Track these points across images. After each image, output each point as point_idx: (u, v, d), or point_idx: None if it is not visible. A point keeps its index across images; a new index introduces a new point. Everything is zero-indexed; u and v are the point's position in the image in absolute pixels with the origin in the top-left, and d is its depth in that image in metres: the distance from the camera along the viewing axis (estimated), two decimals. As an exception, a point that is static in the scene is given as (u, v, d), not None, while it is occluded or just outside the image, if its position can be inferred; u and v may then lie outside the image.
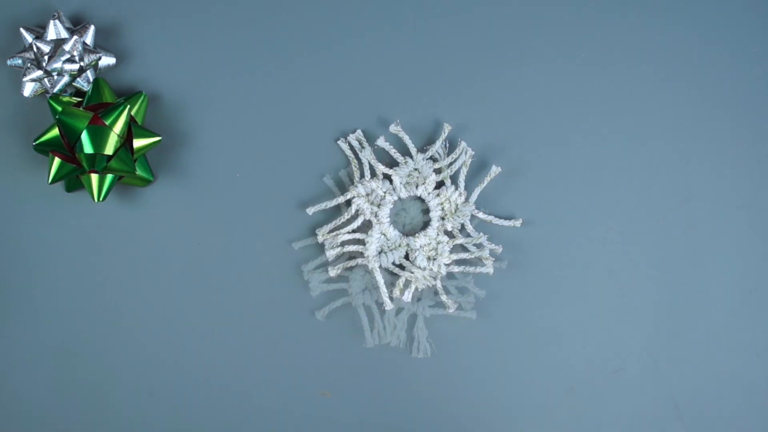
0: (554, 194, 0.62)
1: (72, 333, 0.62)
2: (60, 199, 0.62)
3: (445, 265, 0.60)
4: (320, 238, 0.60)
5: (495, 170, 0.60)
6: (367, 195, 0.60)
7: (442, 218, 0.61)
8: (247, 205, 0.62)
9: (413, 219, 0.61)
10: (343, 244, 0.60)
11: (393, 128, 0.60)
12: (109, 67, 0.60)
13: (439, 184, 0.61)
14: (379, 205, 0.61)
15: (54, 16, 0.59)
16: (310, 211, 0.60)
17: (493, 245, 0.60)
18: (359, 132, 0.61)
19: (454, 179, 0.61)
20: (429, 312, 0.61)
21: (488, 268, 0.60)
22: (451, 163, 0.61)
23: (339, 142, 0.61)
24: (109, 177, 0.58)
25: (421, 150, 0.61)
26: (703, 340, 0.61)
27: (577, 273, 0.61)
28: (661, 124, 0.62)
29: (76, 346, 0.62)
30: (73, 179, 0.60)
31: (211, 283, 0.62)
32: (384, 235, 0.60)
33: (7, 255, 0.62)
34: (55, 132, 0.58)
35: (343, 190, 0.61)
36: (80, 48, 0.59)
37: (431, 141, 0.61)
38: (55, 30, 0.59)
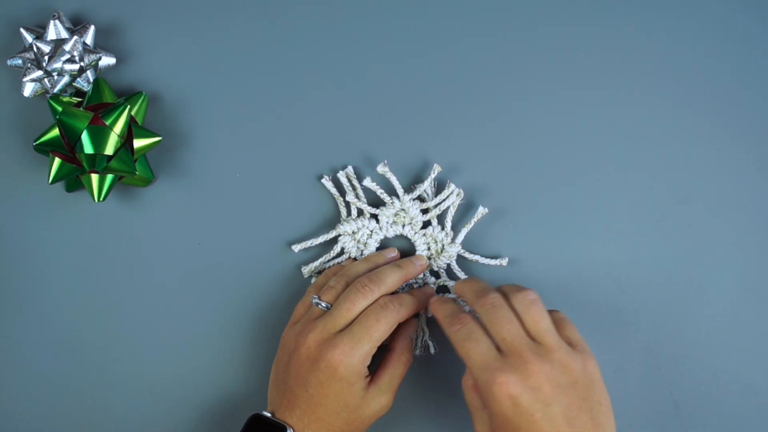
0: (554, 194, 0.62)
1: (72, 332, 0.62)
2: (60, 199, 0.62)
3: None
4: (306, 274, 0.61)
5: (482, 211, 0.60)
6: (353, 233, 0.60)
7: (428, 258, 0.61)
8: (247, 205, 0.62)
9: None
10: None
11: (380, 169, 0.60)
12: (109, 67, 0.60)
13: (426, 224, 0.61)
14: (365, 244, 0.61)
15: (54, 16, 0.59)
16: (296, 248, 0.61)
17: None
18: (350, 169, 0.61)
19: (440, 219, 0.61)
20: (430, 311, 0.61)
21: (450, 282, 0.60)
22: (437, 204, 0.60)
23: (323, 180, 0.61)
24: (109, 177, 0.58)
25: (409, 189, 0.61)
26: (703, 340, 0.61)
27: (578, 273, 0.61)
28: (660, 124, 0.62)
29: (77, 345, 0.62)
30: (73, 179, 0.60)
31: (211, 283, 0.62)
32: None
33: (8, 255, 0.62)
34: (56, 132, 0.58)
35: (342, 192, 0.61)
36: (80, 48, 0.59)
37: (419, 179, 0.61)
38: (55, 30, 0.59)
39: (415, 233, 0.61)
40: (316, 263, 0.61)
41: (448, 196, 0.60)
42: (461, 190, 0.61)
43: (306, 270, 0.61)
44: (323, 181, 0.61)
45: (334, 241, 0.61)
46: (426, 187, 0.60)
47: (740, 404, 0.61)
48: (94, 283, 0.62)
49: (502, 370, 0.48)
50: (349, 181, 0.61)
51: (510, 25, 0.62)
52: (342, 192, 0.61)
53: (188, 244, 0.62)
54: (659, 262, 0.62)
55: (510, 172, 0.62)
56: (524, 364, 0.48)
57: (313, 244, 0.61)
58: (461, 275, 0.61)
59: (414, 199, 0.60)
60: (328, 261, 0.61)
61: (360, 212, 0.61)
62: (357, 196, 0.61)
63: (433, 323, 0.61)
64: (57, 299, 0.62)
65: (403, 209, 0.60)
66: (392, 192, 0.61)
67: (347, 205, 0.61)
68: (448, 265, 0.61)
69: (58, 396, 0.62)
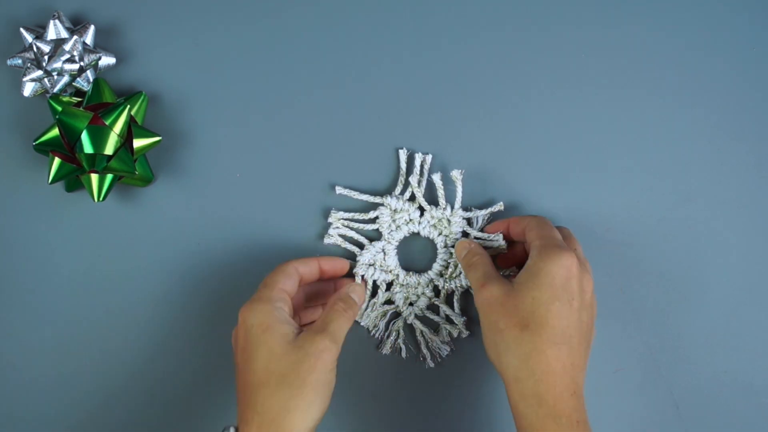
0: (554, 194, 0.62)
1: (72, 333, 0.62)
2: (60, 199, 0.62)
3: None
4: (331, 219, 0.60)
5: (498, 207, 0.60)
6: (395, 211, 0.60)
7: (440, 275, 0.60)
8: (247, 205, 0.62)
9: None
10: (377, 316, 0.60)
11: (455, 174, 0.59)
12: (109, 67, 0.60)
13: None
14: (398, 227, 0.60)
15: (54, 16, 0.59)
16: (339, 190, 0.60)
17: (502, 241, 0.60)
18: (429, 157, 0.60)
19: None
20: (411, 319, 0.61)
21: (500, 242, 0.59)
22: (479, 239, 0.60)
23: (401, 150, 0.60)
24: (109, 177, 0.58)
25: (466, 208, 0.60)
26: (703, 340, 0.61)
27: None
28: (661, 124, 0.62)
29: (76, 345, 0.62)
30: (73, 179, 0.60)
31: (211, 283, 0.62)
32: (404, 286, 0.60)
33: (7, 255, 0.62)
34: (55, 132, 0.58)
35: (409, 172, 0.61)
36: (80, 48, 0.59)
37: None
38: (55, 30, 0.59)
39: (445, 246, 0.60)
40: (347, 214, 0.60)
41: (491, 240, 0.60)
42: (506, 244, 0.60)
43: (334, 216, 0.60)
44: (401, 151, 0.60)
45: (372, 207, 0.61)
46: (482, 215, 0.60)
47: (740, 404, 0.61)
48: (94, 283, 0.62)
49: (578, 258, 0.53)
50: (422, 166, 0.60)
51: (511, 27, 0.62)
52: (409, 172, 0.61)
53: (188, 244, 0.62)
54: (659, 262, 0.62)
55: (510, 172, 0.62)
56: (589, 276, 0.54)
57: (355, 197, 0.60)
58: (456, 306, 0.61)
59: (464, 218, 0.60)
60: (357, 219, 0.60)
61: (411, 198, 0.61)
62: (419, 183, 0.60)
63: (433, 323, 0.61)
64: (57, 299, 0.62)
65: (449, 220, 0.60)
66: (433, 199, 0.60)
67: (406, 184, 0.60)
68: (452, 293, 0.61)
69: (58, 396, 0.62)
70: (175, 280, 0.62)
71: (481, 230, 0.60)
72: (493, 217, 0.61)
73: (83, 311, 0.62)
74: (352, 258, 0.61)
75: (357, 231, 0.61)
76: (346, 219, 0.61)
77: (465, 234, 0.60)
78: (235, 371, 0.54)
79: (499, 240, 0.59)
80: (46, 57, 0.58)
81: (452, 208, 0.60)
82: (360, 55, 0.62)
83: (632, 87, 0.62)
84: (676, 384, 0.61)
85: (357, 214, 0.61)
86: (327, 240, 0.61)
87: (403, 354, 0.61)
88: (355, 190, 0.61)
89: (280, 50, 0.62)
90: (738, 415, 0.61)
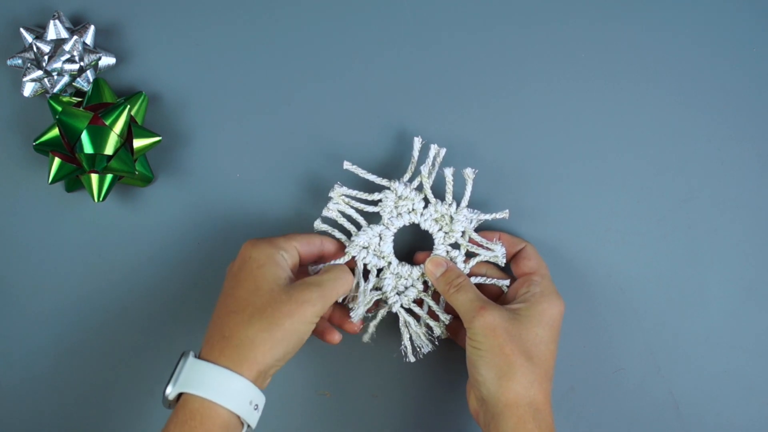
0: (554, 194, 0.62)
1: (72, 333, 0.62)
2: (60, 199, 0.62)
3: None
4: (332, 193, 0.59)
5: (503, 214, 0.59)
6: (399, 198, 0.59)
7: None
8: (247, 205, 0.62)
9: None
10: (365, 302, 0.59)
11: (468, 172, 0.58)
12: (109, 67, 0.60)
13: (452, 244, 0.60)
14: (399, 214, 0.59)
15: (54, 16, 0.59)
16: (346, 165, 0.59)
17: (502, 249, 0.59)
18: (443, 150, 0.59)
19: (469, 254, 0.60)
20: (397, 308, 0.59)
21: (506, 280, 0.59)
22: (473, 242, 0.59)
23: (416, 138, 0.59)
24: (109, 177, 0.58)
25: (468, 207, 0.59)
26: (703, 340, 0.61)
27: (578, 273, 0.61)
28: (661, 124, 0.62)
29: (76, 345, 0.62)
30: (73, 179, 0.60)
31: (211, 283, 0.62)
32: (395, 274, 0.59)
33: (7, 255, 0.62)
34: (55, 132, 0.58)
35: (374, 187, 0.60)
36: (80, 48, 0.59)
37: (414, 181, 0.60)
38: (55, 30, 0.59)
39: (443, 243, 0.59)
40: (350, 191, 0.59)
41: (488, 247, 0.59)
42: (504, 258, 0.59)
43: (336, 191, 0.59)
44: (416, 138, 0.59)
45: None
46: (485, 218, 0.59)
47: (740, 404, 0.61)
48: (94, 282, 0.62)
49: None
50: (434, 158, 0.59)
51: (511, 25, 0.62)
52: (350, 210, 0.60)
53: (188, 244, 0.62)
54: (659, 262, 0.62)
55: (510, 172, 0.62)
56: None
57: (362, 175, 0.59)
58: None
59: (465, 218, 0.59)
60: (360, 202, 0.59)
61: (418, 189, 0.59)
62: (429, 174, 0.59)
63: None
64: (57, 299, 0.62)
65: (452, 217, 0.59)
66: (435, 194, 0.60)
67: (416, 172, 0.59)
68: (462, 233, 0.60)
69: (58, 396, 0.62)
70: (175, 279, 0.62)
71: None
72: (490, 225, 0.60)
73: (83, 311, 0.62)
74: (347, 236, 0.59)
75: (356, 210, 0.60)
76: (347, 196, 0.59)
77: (463, 234, 0.59)
78: (218, 300, 0.54)
79: (499, 249, 0.59)
80: (46, 57, 0.58)
81: (458, 205, 0.59)
82: (364, 51, 0.62)
83: (632, 87, 0.62)
84: (676, 384, 0.61)
85: (360, 192, 0.60)
86: (325, 213, 0.59)
87: (366, 338, 0.59)
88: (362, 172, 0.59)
89: (281, 49, 0.62)
90: (738, 415, 0.61)
